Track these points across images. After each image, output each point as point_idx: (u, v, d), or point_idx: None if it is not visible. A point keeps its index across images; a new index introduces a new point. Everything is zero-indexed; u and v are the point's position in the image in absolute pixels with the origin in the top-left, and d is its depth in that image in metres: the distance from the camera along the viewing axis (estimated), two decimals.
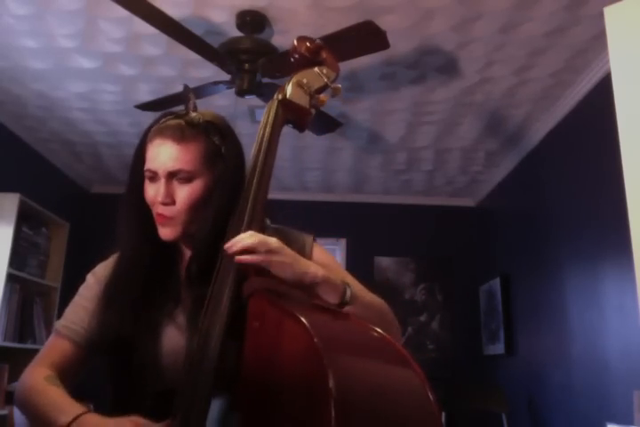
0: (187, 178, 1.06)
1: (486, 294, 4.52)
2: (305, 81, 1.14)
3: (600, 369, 2.78)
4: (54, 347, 1.12)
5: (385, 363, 0.88)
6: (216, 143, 1.10)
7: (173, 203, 1.07)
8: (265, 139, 1.08)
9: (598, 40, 2.61)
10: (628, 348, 2.54)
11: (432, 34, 2.68)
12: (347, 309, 0.99)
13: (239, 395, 0.90)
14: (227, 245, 0.95)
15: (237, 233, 0.98)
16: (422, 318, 4.78)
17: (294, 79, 1.15)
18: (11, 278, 3.33)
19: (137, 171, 1.13)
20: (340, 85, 1.19)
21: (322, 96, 1.17)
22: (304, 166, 4.37)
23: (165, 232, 1.08)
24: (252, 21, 2.59)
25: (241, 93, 2.64)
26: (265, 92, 2.71)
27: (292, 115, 1.14)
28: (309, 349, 0.79)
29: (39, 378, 1.06)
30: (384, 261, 4.83)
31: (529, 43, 2.72)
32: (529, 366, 3.74)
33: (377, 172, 4.48)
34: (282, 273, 0.94)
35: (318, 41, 1.17)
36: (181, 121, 1.09)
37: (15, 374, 3.41)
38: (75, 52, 2.90)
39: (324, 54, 1.17)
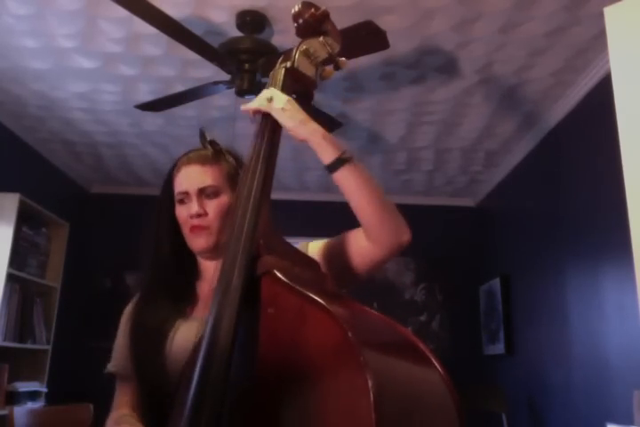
0: (214, 193, 1.20)
1: (486, 294, 4.52)
2: (312, 50, 1.12)
3: (600, 369, 2.78)
4: (118, 390, 1.21)
5: (409, 361, 0.84)
6: (234, 166, 1.24)
7: (206, 214, 1.19)
8: None
9: (598, 40, 2.61)
10: (628, 348, 2.54)
11: (432, 34, 2.68)
12: (345, 175, 1.05)
13: (254, 386, 0.85)
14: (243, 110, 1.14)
15: (242, 220, 0.99)
16: (422, 318, 4.78)
17: (301, 47, 1.12)
18: (11, 278, 3.33)
19: (166, 198, 1.25)
20: (344, 59, 1.15)
21: (327, 69, 1.14)
22: (304, 166, 4.37)
23: (200, 242, 1.19)
24: (252, 21, 2.59)
25: (241, 93, 2.64)
26: None
27: (297, 85, 1.12)
28: (342, 343, 0.75)
29: (110, 423, 1.13)
30: None
31: (529, 43, 2.72)
32: (529, 365, 3.74)
33: (377, 172, 4.47)
34: (286, 122, 1.07)
35: (324, 8, 1.13)
36: (203, 150, 1.25)
37: (15, 374, 3.41)
38: (75, 52, 2.90)
39: (328, 24, 1.13)
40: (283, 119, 1.07)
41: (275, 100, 1.08)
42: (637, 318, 1.97)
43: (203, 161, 1.22)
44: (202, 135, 1.26)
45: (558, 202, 3.38)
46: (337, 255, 1.15)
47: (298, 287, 0.84)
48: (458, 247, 4.84)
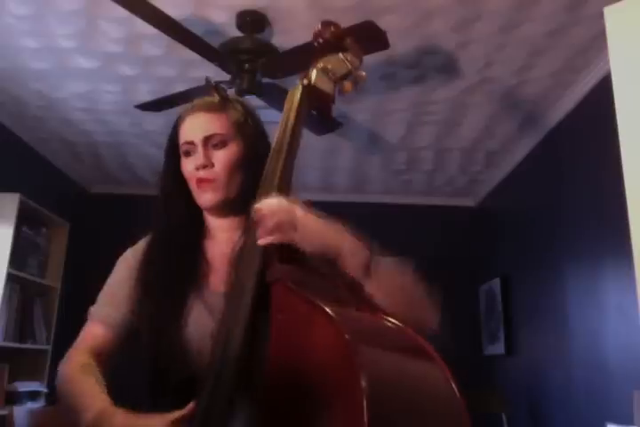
0: (221, 142, 1.14)
1: (486, 294, 4.52)
2: (330, 67, 1.13)
3: (600, 369, 2.78)
4: (89, 332, 1.15)
5: (415, 366, 0.86)
6: (243, 113, 1.18)
7: (212, 165, 1.12)
8: (289, 123, 1.10)
9: (598, 40, 2.61)
10: (627, 348, 2.54)
11: (432, 34, 2.68)
12: (372, 283, 0.98)
13: (262, 388, 0.88)
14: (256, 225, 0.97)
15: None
16: None
17: (319, 65, 1.14)
18: (11, 278, 3.33)
19: (172, 153, 1.19)
20: (364, 73, 1.16)
21: (346, 84, 1.15)
22: (304, 166, 4.37)
23: (207, 197, 1.12)
24: (252, 21, 2.59)
25: (241, 93, 2.64)
26: (265, 92, 2.70)
27: (316, 101, 1.14)
28: (340, 346, 0.76)
29: (75, 367, 1.08)
30: None
31: (529, 43, 2.72)
32: (529, 366, 3.74)
33: (377, 172, 4.48)
34: (305, 247, 0.95)
35: (343, 26, 1.15)
36: (209, 97, 1.19)
37: (15, 374, 3.40)
38: (75, 52, 2.90)
39: (348, 40, 1.15)
40: (311, 248, 0.96)
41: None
42: (637, 318, 1.96)
43: (208, 108, 1.16)
44: (207, 83, 1.22)
45: (558, 202, 3.37)
46: None
47: (305, 295, 0.87)
48: (458, 247, 4.83)
